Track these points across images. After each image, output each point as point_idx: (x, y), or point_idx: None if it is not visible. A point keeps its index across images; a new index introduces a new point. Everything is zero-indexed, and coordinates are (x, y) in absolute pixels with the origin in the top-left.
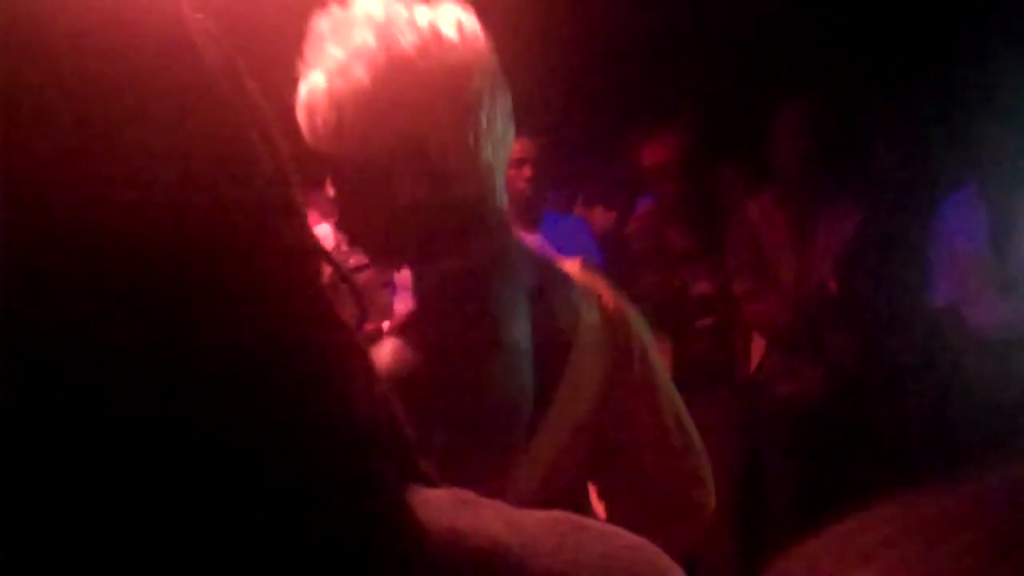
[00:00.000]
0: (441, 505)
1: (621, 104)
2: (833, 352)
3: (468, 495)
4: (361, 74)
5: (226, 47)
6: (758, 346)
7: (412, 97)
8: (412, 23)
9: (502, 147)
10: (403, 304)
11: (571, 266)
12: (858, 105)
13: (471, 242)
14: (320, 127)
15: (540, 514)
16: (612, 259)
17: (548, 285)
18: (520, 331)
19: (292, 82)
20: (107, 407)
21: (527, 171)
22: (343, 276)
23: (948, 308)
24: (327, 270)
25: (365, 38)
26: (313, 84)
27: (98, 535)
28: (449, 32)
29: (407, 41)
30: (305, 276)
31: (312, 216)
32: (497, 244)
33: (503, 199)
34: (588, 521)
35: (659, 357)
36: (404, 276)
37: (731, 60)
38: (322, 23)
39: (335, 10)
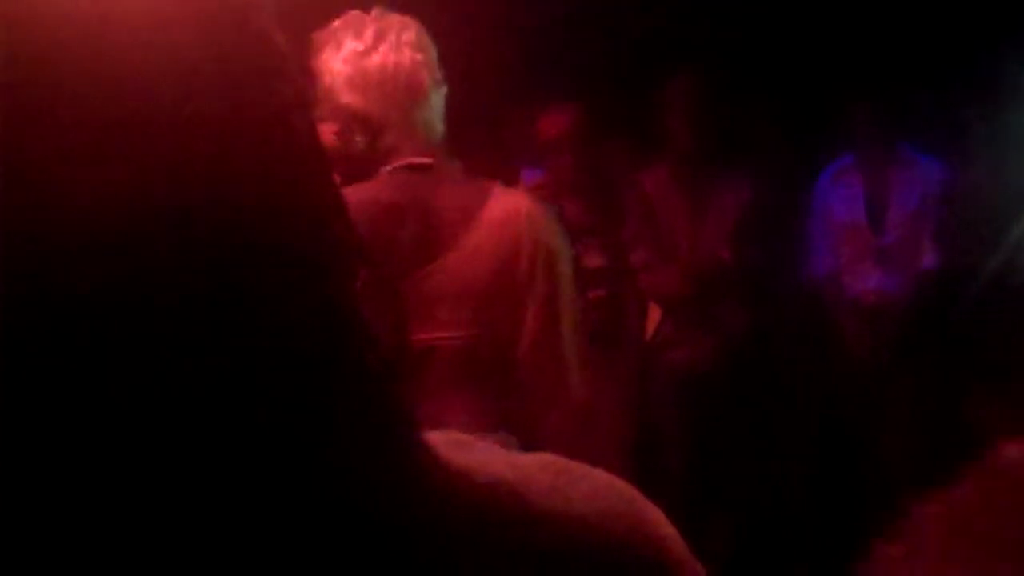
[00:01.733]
0: (441, 445)
1: (508, 78)
2: (725, 321)
3: (460, 436)
4: (336, 78)
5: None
6: (653, 315)
7: (364, 91)
8: (375, 38)
9: (433, 112)
10: None
11: (512, 194)
12: (742, 81)
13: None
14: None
15: (529, 456)
16: None
17: (448, 187)
18: (389, 196)
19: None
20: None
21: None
22: (354, 241)
23: (828, 276)
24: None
25: (347, 50)
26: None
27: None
28: (388, 49)
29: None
30: (332, 227)
31: None
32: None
33: (428, 138)
34: (572, 463)
35: (568, 274)
36: None
37: (621, 34)
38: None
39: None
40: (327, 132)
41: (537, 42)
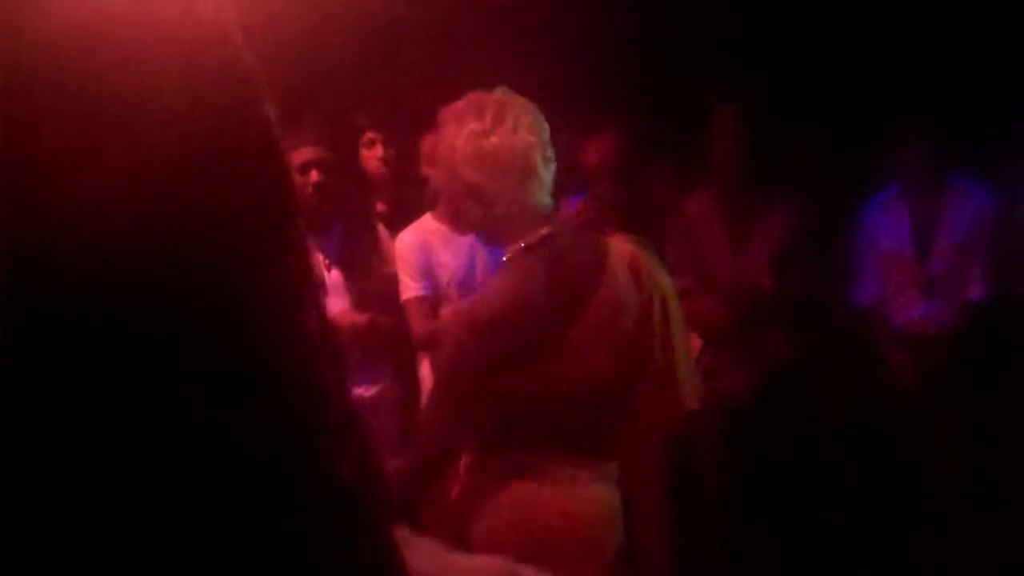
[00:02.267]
0: None
1: (549, 104)
2: (767, 349)
3: (405, 532)
4: (456, 154)
5: (241, 46)
6: (695, 343)
7: (480, 168)
8: (494, 121)
9: (543, 186)
10: (336, 304)
11: (617, 240)
12: (788, 109)
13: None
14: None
15: (479, 559)
16: None
17: (573, 250)
18: (531, 277)
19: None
20: (96, 403)
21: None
22: (323, 322)
23: (874, 305)
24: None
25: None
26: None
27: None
28: (505, 131)
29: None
30: (301, 312)
31: None
32: (522, 236)
33: (537, 210)
34: (527, 571)
35: (677, 305)
36: (336, 278)
37: (664, 61)
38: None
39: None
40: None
41: (579, 67)
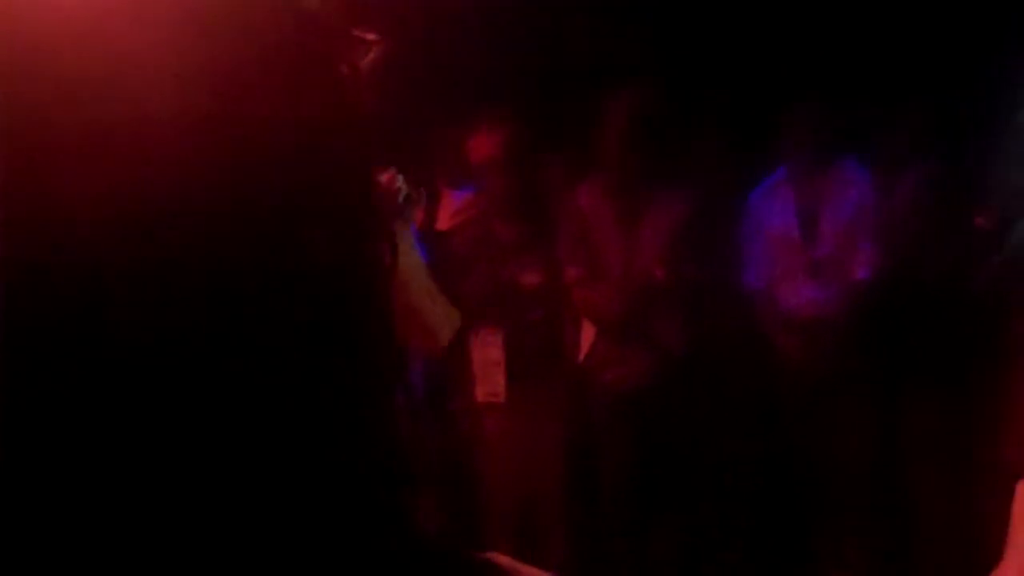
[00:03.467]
0: None
1: (436, 95)
2: (661, 338)
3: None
4: None
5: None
6: (588, 334)
7: None
8: None
9: None
10: None
11: None
12: (677, 97)
13: None
14: None
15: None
16: (435, 254)
17: None
18: None
19: None
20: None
21: None
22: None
23: (762, 290)
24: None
25: None
26: None
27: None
28: None
29: None
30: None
31: None
32: None
33: None
34: (524, 568)
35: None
36: None
37: (553, 52)
38: None
39: None
40: None
41: (466, 58)
